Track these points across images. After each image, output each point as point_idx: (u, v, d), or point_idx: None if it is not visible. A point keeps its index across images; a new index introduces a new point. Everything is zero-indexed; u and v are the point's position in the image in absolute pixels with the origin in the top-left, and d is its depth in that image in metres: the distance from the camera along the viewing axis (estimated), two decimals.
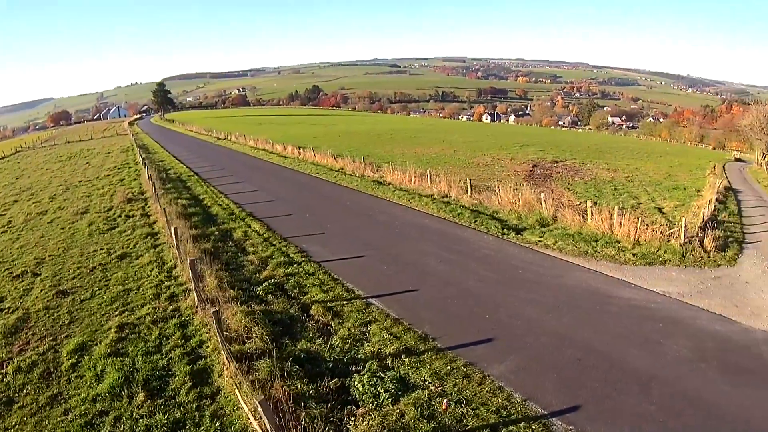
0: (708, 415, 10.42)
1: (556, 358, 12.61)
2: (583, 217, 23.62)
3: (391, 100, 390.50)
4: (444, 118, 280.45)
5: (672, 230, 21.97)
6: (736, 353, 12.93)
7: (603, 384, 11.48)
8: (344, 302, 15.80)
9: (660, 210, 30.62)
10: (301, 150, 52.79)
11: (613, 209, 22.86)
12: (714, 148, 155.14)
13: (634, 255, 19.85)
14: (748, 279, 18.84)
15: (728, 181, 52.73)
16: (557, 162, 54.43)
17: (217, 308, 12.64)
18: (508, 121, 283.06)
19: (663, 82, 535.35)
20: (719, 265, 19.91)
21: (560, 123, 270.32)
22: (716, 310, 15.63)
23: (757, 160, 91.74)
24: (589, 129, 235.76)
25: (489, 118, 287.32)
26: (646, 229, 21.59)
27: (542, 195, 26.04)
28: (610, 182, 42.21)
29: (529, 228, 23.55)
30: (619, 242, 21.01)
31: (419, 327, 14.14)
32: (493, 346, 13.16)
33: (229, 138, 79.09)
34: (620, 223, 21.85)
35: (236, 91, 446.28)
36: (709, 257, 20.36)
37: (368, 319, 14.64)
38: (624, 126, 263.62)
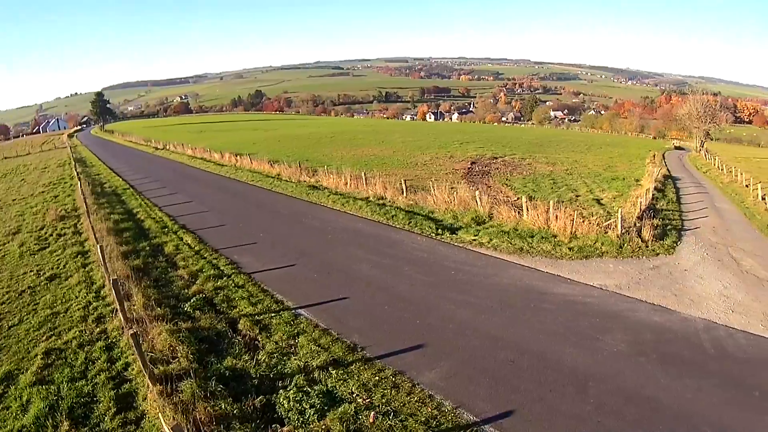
0: (648, 411, 10.31)
1: (489, 361, 12.34)
2: (519, 213, 23.63)
3: (335, 102, 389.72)
4: (387, 118, 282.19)
5: (609, 222, 22.11)
6: (676, 344, 12.97)
7: (537, 386, 11.24)
8: (273, 314, 15.38)
9: (598, 201, 31.04)
10: (238, 157, 52.11)
11: (549, 203, 22.92)
12: (654, 138, 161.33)
13: (570, 249, 19.91)
14: (686, 267, 19.13)
15: (667, 169, 54.24)
16: (496, 158, 54.89)
17: (136, 330, 12.10)
18: (451, 119, 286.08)
19: (603, 76, 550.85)
20: (657, 254, 20.20)
21: (503, 119, 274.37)
22: (655, 300, 15.78)
23: (696, 147, 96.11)
24: (532, 124, 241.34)
25: (433, 116, 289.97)
26: (583, 222, 21.74)
27: (477, 192, 25.98)
28: (549, 176, 42.74)
29: (465, 227, 23.45)
30: (555, 237, 21.08)
31: (348, 336, 13.82)
32: (424, 353, 12.86)
33: (167, 147, 77.08)
34: (556, 217, 21.89)
35: (179, 99, 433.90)
36: (647, 247, 20.60)
37: (296, 331, 14.24)
38: (566, 119, 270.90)
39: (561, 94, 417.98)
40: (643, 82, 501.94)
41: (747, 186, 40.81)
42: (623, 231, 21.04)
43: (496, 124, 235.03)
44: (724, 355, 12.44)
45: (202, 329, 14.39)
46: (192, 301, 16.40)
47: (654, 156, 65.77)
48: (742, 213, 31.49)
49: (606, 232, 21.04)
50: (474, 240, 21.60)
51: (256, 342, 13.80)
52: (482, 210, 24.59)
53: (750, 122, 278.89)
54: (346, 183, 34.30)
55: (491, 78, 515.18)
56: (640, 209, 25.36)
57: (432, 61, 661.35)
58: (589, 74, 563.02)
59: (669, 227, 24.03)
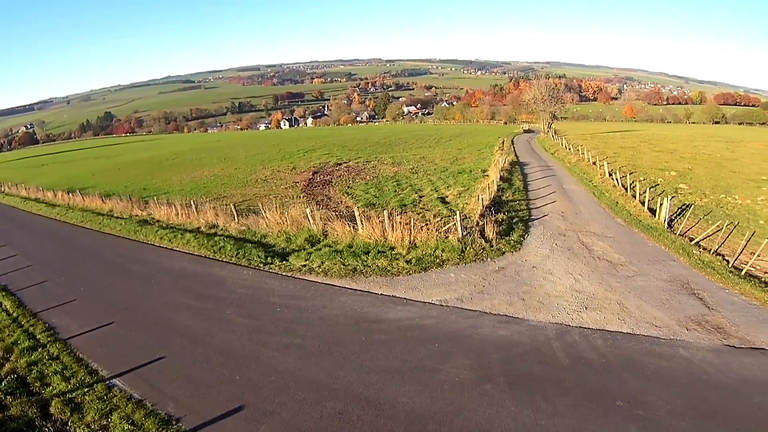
0: None
1: (314, 417, 11.08)
2: (354, 227, 22.28)
3: (188, 117, 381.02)
4: (242, 129, 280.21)
5: (449, 225, 21.26)
6: (526, 360, 12.30)
7: None
8: (86, 389, 13.55)
9: (443, 200, 30.69)
10: (71, 195, 48.53)
11: (384, 213, 21.79)
12: (506, 123, 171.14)
13: (408, 262, 18.97)
14: (535, 263, 18.83)
15: (515, 156, 55.96)
16: (340, 164, 54.48)
17: None
18: (306, 124, 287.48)
19: (454, 69, 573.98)
20: (503, 253, 19.77)
21: (358, 119, 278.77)
22: (500, 309, 15.12)
23: (543, 129, 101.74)
24: (386, 121, 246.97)
25: (287, 123, 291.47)
26: (422, 228, 20.83)
27: (308, 210, 24.51)
28: (393, 177, 42.40)
29: (298, 250, 22.06)
30: (393, 249, 20.09)
31: (163, 407, 12.32)
32: (244, 416, 11.50)
33: (2, 189, 70.13)
34: (393, 227, 20.84)
35: (23, 129, 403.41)
36: (491, 246, 20.08)
37: (109, 407, 12.60)
38: (420, 114, 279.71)
39: (413, 89, 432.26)
40: (492, 72, 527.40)
41: (594, 164, 42.46)
42: (465, 233, 20.40)
43: (350, 125, 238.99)
44: (581, 364, 11.99)
45: (11, 420, 12.65)
46: (4, 384, 14.46)
47: (503, 143, 67.98)
48: (591, 192, 32.46)
49: (447, 237, 20.29)
50: (304, 266, 20.25)
51: (68, 428, 12.25)
52: (315, 228, 23.27)
53: (595, 99, 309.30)
54: (177, 213, 32.23)
55: (344, 79, 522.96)
56: (483, 205, 24.89)
57: (284, 67, 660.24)
58: (439, 68, 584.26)
59: (516, 220, 23.84)
